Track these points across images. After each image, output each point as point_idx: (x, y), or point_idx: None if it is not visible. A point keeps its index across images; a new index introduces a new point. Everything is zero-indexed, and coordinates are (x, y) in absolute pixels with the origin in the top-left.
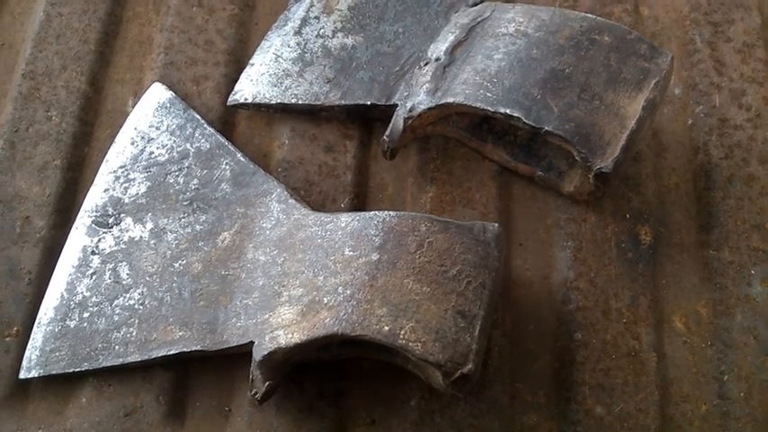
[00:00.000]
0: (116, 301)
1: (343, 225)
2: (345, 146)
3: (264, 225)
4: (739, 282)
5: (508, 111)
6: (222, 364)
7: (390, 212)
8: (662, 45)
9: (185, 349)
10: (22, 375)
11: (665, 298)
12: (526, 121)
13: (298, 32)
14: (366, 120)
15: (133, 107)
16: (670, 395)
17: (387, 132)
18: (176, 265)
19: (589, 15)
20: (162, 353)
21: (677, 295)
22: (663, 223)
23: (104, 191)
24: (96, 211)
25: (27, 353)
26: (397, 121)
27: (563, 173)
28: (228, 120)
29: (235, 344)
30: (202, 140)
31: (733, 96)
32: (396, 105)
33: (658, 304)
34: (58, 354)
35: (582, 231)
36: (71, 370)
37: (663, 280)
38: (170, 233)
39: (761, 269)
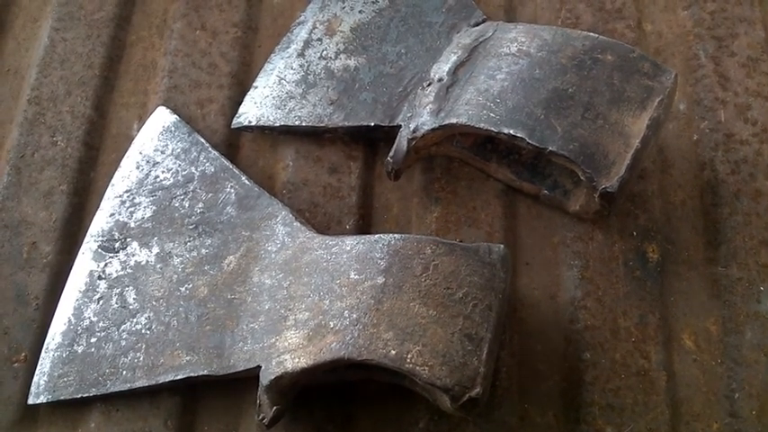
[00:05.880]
0: (123, 326)
1: (348, 248)
2: (350, 167)
3: (270, 248)
4: (748, 298)
5: (512, 131)
6: (230, 388)
7: (395, 235)
8: (665, 61)
9: (192, 374)
10: (31, 401)
11: (673, 316)
12: (530, 142)
13: (301, 54)
14: (370, 141)
15: (138, 131)
16: (681, 414)
17: (390, 153)
18: (182, 289)
19: (591, 34)
20: (169, 378)
21: (686, 313)
22: (670, 240)
23: (110, 215)
24: (102, 236)
25: (35, 378)
26: (401, 142)
27: (568, 191)
28: (233, 142)
29: (242, 368)
30: (207, 164)
31: (738, 111)
32: (399, 126)
33: (667, 322)
34: (65, 379)
35: (589, 250)
36: (79, 395)
37: (671, 297)
38: (176, 257)
39: None
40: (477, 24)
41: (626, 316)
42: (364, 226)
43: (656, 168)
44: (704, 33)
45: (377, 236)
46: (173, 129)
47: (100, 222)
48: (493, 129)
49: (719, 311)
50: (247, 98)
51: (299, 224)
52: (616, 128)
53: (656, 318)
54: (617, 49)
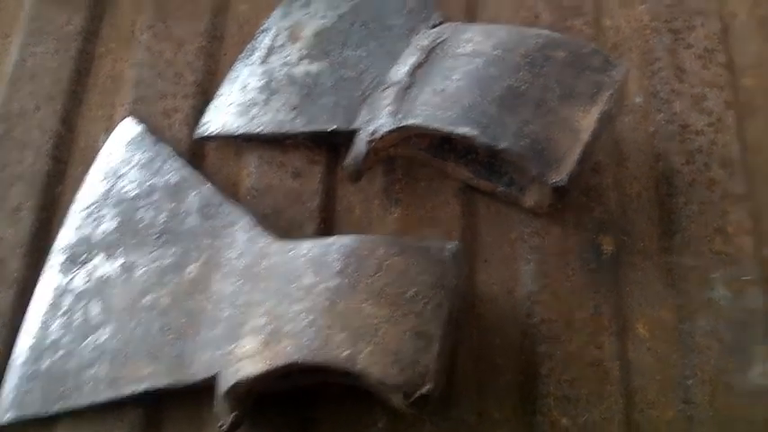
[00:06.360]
0: (87, 340)
1: (304, 252)
2: (312, 171)
3: (230, 255)
4: (702, 286)
5: (465, 130)
6: (193, 397)
7: (350, 237)
8: (622, 55)
9: (155, 385)
10: None
11: (628, 306)
12: (482, 140)
13: (264, 61)
14: (332, 145)
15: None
16: (635, 403)
17: (350, 156)
18: (145, 300)
19: (544, 31)
20: (132, 389)
21: (641, 302)
22: (625, 232)
23: (76, 228)
24: (68, 250)
25: (2, 396)
26: (360, 144)
27: (523, 188)
28: (197, 151)
29: (202, 377)
30: (171, 173)
31: (694, 102)
32: (359, 130)
33: (621, 312)
34: (31, 396)
35: (545, 244)
36: (44, 411)
37: (626, 288)
38: (140, 268)
39: (723, 273)
40: (436, 26)
41: (581, 308)
42: (326, 229)
43: (612, 161)
44: (661, 27)
45: (333, 238)
46: (138, 140)
47: (66, 236)
48: (445, 129)
49: (674, 300)
50: (211, 106)
51: (259, 230)
52: (567, 123)
53: (611, 308)
54: (569, 46)
